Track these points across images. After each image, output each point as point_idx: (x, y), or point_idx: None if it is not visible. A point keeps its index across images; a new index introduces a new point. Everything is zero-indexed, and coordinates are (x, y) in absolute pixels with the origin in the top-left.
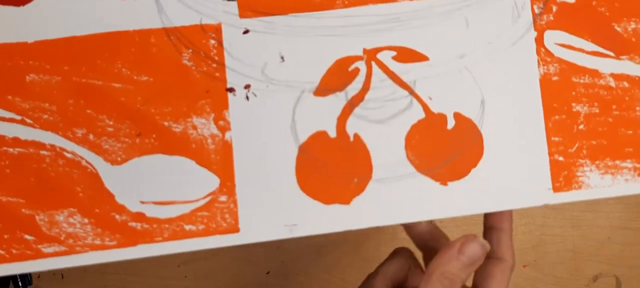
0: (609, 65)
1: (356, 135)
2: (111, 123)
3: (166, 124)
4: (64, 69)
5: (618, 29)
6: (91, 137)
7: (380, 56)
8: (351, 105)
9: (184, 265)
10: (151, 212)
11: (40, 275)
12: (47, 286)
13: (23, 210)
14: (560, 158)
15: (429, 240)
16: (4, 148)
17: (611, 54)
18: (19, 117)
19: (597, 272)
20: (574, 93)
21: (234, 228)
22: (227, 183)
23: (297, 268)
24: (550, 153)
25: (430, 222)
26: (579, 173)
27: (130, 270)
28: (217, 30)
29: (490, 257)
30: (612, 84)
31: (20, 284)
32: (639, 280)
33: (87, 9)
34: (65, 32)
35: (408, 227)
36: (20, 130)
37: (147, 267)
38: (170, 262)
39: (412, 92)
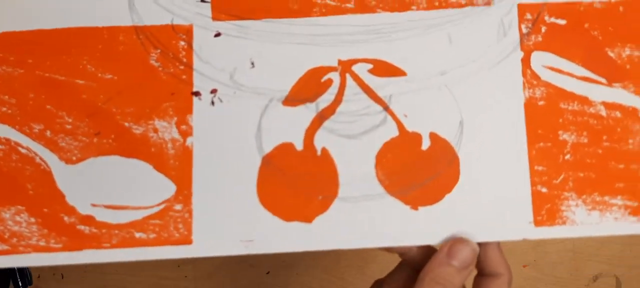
0: (601, 93)
1: (324, 150)
2: (70, 120)
3: (127, 124)
4: (28, 61)
5: (611, 54)
6: (48, 133)
7: (355, 68)
8: (321, 118)
9: (184, 265)
10: (101, 216)
11: (40, 274)
12: (46, 286)
13: None
14: (544, 190)
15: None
16: None
17: (603, 80)
18: None
19: (597, 272)
20: (561, 120)
21: (187, 240)
22: (184, 192)
23: (297, 268)
24: (533, 184)
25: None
26: (563, 208)
27: (130, 270)
28: (188, 31)
29: (485, 275)
30: (603, 113)
31: (20, 284)
32: (639, 280)
33: (57, 3)
34: (33, 24)
35: (400, 253)
36: None
37: (147, 267)
38: (171, 262)
39: (386, 108)
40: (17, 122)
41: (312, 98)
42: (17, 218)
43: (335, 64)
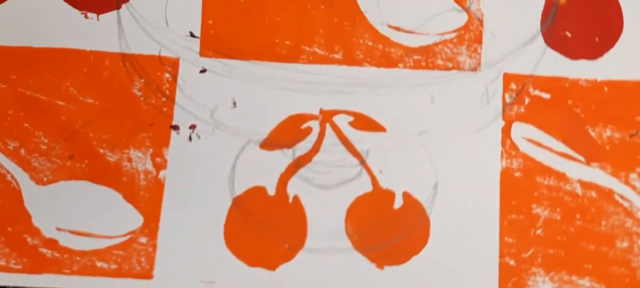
0: (578, 171)
1: (296, 197)
2: (46, 141)
3: (101, 151)
4: (12, 77)
5: (592, 133)
6: (22, 151)
7: (336, 119)
8: (297, 165)
9: None
10: (65, 240)
11: None
12: None
13: None
14: (512, 262)
15: None
16: None
17: (581, 158)
18: None
19: None
20: (536, 194)
21: (148, 274)
22: (151, 225)
23: None
24: (501, 255)
25: None
26: (530, 282)
27: None
28: (174, 64)
29: None
30: (579, 191)
31: None
32: None
33: (48, 22)
34: (24, 41)
35: None
36: None
37: None
38: None
39: (362, 162)
40: None
41: (290, 144)
42: None
43: (316, 112)
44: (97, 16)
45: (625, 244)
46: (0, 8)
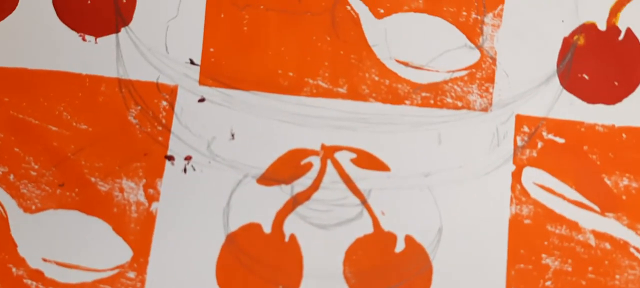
0: (592, 221)
1: (292, 236)
2: (36, 167)
3: (93, 179)
4: (4, 99)
5: (608, 181)
6: (11, 177)
7: (338, 155)
8: (295, 202)
9: None
10: (51, 272)
11: None
12: None
13: None
14: None
15: None
16: None
17: (596, 208)
18: None
19: None
20: (546, 243)
21: None
22: (140, 259)
23: None
24: None
25: None
26: None
27: None
28: (172, 91)
29: None
30: (592, 242)
31: None
32: None
33: (44, 43)
34: (18, 63)
35: None
36: None
37: None
38: None
39: (364, 202)
40: None
41: (288, 180)
42: None
43: (317, 147)
44: (95, 39)
45: None
46: None
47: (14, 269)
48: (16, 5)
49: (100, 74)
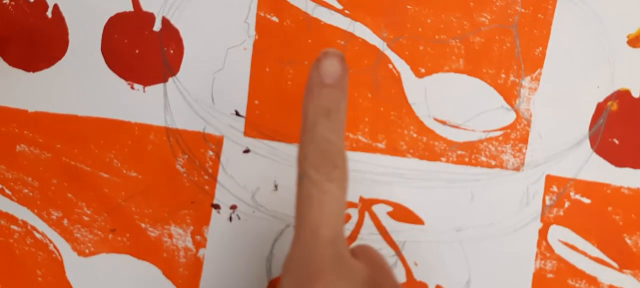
0: (610, 276)
1: None
2: (89, 212)
3: (143, 225)
4: (56, 146)
5: (629, 241)
6: (65, 222)
7: (375, 208)
8: None
9: None
10: None
11: None
12: None
13: None
14: None
15: None
16: None
17: (615, 265)
18: None
19: None
20: None
21: None
22: None
23: None
24: None
25: None
26: None
27: None
28: (218, 142)
29: None
30: None
31: None
32: None
33: (95, 91)
34: (68, 109)
35: None
36: None
37: None
38: None
39: (398, 253)
40: (36, 205)
41: None
42: None
43: (356, 200)
44: (144, 88)
45: None
46: (44, 73)
47: None
48: (66, 51)
49: (149, 122)
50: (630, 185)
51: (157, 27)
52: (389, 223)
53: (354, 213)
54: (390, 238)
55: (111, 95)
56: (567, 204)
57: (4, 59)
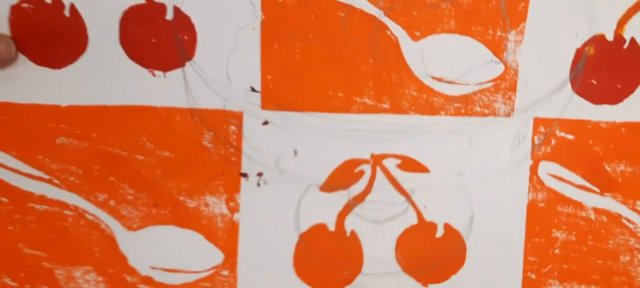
0: (593, 200)
1: (353, 232)
2: (131, 192)
3: (181, 198)
4: (93, 136)
5: (608, 168)
6: (112, 202)
7: (385, 162)
8: (352, 204)
9: None
10: (159, 277)
11: None
12: None
13: (44, 263)
14: (533, 276)
15: None
16: (31, 204)
17: (597, 190)
18: (47, 177)
19: None
20: (556, 220)
21: None
22: (230, 260)
23: None
24: (525, 271)
25: None
26: None
27: None
28: (238, 117)
29: None
30: (592, 216)
31: None
32: None
33: (120, 81)
34: (98, 100)
35: None
36: (47, 189)
37: None
38: None
39: (409, 199)
40: (83, 191)
41: (345, 186)
42: (87, 277)
43: (368, 157)
44: (164, 74)
45: (627, 258)
46: (69, 69)
47: (128, 278)
48: (86, 46)
49: (173, 105)
50: (607, 119)
51: (169, 16)
52: (399, 174)
53: (367, 169)
54: (400, 187)
55: (135, 84)
56: (553, 142)
57: (30, 59)
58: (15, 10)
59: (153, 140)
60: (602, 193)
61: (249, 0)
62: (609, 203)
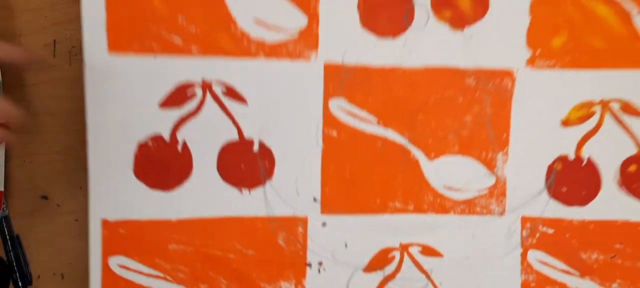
0: (574, 282)
1: None
2: (225, 282)
3: (262, 284)
4: (196, 241)
5: (583, 256)
6: None
7: (410, 249)
8: (386, 280)
9: None
10: None
11: (40, 275)
12: (46, 286)
13: None
14: None
15: None
16: None
17: (577, 273)
18: (162, 275)
19: None
20: None
21: None
22: None
23: None
24: None
25: None
26: None
27: None
28: (304, 222)
29: None
30: None
31: (20, 284)
32: None
33: (215, 198)
34: (199, 214)
35: None
36: (162, 284)
37: None
38: None
39: (428, 277)
40: (190, 283)
41: (381, 267)
42: None
43: (397, 245)
44: (249, 191)
45: None
46: (176, 191)
47: None
48: (190, 173)
49: (255, 215)
50: (578, 218)
51: (255, 148)
52: (420, 258)
53: (397, 254)
54: (422, 268)
55: (226, 200)
56: (537, 235)
57: (146, 185)
58: (141, 146)
59: (241, 242)
60: (581, 276)
61: (314, 135)
62: (588, 284)
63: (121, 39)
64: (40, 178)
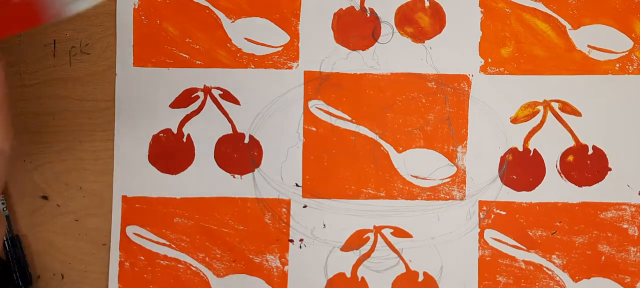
0: (522, 255)
1: (363, 278)
2: (219, 252)
3: (251, 256)
4: (196, 216)
5: (530, 233)
6: (207, 259)
7: (383, 231)
8: (362, 259)
9: None
10: None
11: (40, 275)
12: (46, 286)
13: None
14: None
15: None
16: (158, 260)
17: (524, 248)
18: (167, 243)
19: None
20: (498, 269)
21: None
22: None
23: None
24: None
25: None
26: None
27: None
28: (287, 204)
29: None
30: (523, 266)
31: (20, 284)
32: None
33: (212, 181)
34: (199, 193)
35: None
36: (168, 251)
37: None
38: None
39: (399, 256)
40: (190, 252)
41: (357, 247)
42: None
43: (371, 227)
44: (241, 176)
45: None
46: (181, 174)
47: None
48: (193, 161)
49: (246, 196)
50: (526, 201)
51: (246, 140)
52: (392, 239)
53: (371, 235)
54: (394, 248)
55: (222, 183)
56: (492, 216)
57: (157, 169)
58: (155, 137)
59: (233, 219)
60: (528, 250)
61: (296, 130)
62: (534, 257)
63: (143, 56)
64: (40, 179)
